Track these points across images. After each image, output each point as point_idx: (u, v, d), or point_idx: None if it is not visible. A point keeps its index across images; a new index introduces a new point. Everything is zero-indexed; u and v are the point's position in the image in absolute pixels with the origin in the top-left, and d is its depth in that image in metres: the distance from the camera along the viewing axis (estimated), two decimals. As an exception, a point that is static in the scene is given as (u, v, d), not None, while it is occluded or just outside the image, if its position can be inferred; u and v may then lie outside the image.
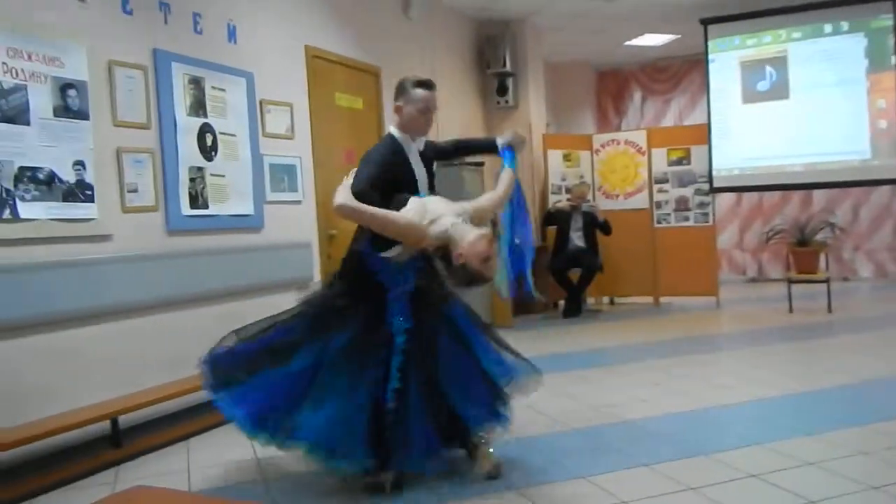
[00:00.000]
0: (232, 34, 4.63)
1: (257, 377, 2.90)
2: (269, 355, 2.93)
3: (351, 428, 2.79)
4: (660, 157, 8.23)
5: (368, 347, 2.89)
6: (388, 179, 2.92)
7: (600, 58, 10.28)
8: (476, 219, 2.90)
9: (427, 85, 3.07)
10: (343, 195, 2.81)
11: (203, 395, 4.04)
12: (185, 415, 4.01)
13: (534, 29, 8.23)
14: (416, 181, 3.08)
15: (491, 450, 3.09)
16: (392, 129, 3.13)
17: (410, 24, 6.67)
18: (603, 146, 8.47)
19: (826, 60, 7.46)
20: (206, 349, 4.12)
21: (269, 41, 4.92)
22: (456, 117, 7.17)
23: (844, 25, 7.38)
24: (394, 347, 2.90)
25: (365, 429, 2.80)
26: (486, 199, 3.15)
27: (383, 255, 2.93)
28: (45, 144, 3.42)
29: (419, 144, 3.16)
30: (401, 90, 3.10)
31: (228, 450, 3.60)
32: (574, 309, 7.63)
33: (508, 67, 7.86)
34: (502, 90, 7.96)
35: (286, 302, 4.80)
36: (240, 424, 2.90)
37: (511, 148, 3.31)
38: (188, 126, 4.22)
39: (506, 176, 3.23)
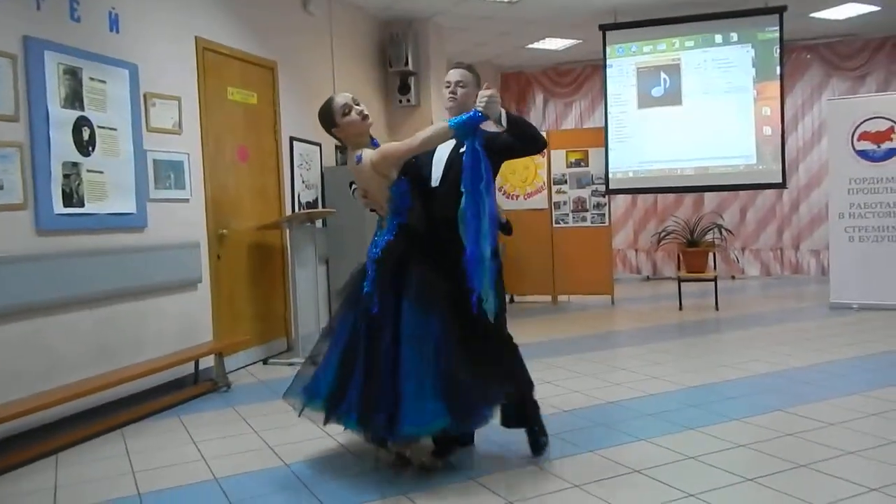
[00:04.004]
0: (114, 23, 4.37)
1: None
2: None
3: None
4: (559, 159, 8.40)
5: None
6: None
7: (504, 59, 10.39)
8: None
9: (454, 65, 3.37)
10: None
11: (74, 406, 3.83)
12: (59, 427, 3.76)
13: (437, 28, 8.22)
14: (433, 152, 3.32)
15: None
16: None
17: (310, 18, 6.51)
18: (505, 147, 8.53)
19: (716, 69, 7.79)
20: (82, 355, 3.94)
21: (155, 32, 4.68)
22: (357, 115, 7.04)
23: (734, 36, 7.73)
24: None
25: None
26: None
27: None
28: None
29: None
30: None
31: (98, 465, 3.42)
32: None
33: (411, 66, 7.80)
34: (404, 89, 7.90)
35: (173, 304, 4.67)
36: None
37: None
38: (62, 119, 3.95)
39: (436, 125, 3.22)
